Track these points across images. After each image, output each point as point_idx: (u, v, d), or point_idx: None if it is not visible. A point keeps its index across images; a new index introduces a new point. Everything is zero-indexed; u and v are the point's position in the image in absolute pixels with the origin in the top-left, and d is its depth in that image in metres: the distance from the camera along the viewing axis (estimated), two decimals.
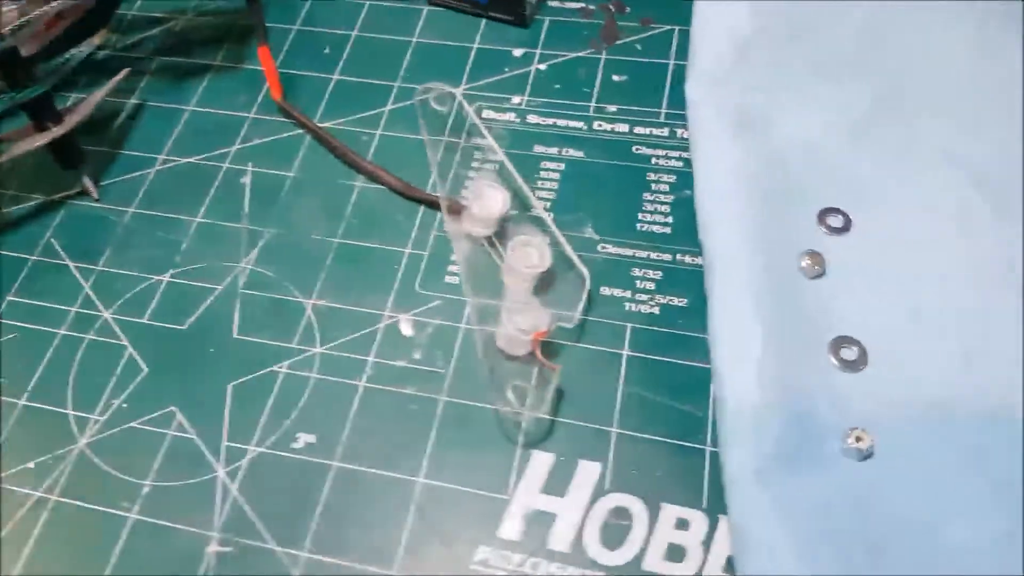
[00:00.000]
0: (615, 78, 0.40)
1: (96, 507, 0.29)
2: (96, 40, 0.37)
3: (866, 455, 0.27)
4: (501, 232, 0.34)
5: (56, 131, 0.34)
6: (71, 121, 0.35)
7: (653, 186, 0.36)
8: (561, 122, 0.39)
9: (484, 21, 0.43)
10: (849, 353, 0.30)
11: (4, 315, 0.34)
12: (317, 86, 0.41)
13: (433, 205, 0.36)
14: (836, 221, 0.33)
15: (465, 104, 0.37)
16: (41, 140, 0.34)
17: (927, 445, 0.28)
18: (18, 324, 0.33)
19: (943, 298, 0.31)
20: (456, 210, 0.35)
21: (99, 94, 0.37)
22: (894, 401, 0.29)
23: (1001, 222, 0.32)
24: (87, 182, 0.37)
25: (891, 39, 0.37)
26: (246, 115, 0.40)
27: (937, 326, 0.30)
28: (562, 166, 0.37)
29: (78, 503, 0.29)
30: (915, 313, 0.30)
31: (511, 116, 0.39)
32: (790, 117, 0.36)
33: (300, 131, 0.39)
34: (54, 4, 0.33)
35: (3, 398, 0.31)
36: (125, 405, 0.31)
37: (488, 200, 0.34)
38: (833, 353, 0.30)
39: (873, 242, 0.32)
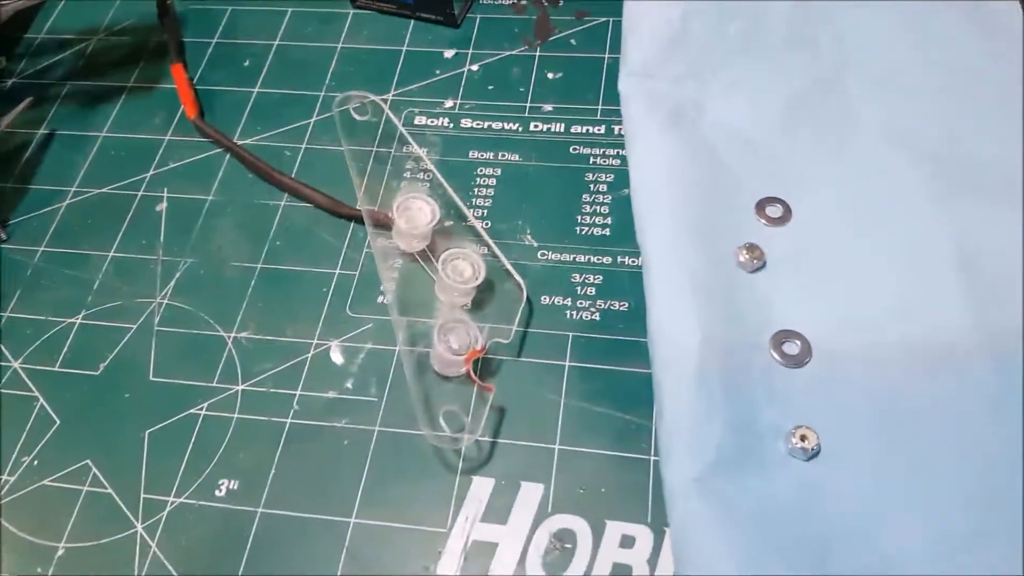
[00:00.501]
0: (550, 75, 0.38)
1: (8, 575, 0.27)
2: None
3: (812, 454, 0.26)
4: (434, 246, 0.32)
5: None
6: None
7: (592, 187, 0.34)
8: (496, 125, 0.37)
9: (412, 22, 0.41)
10: (792, 348, 0.28)
11: None
12: (237, 101, 0.38)
13: (361, 221, 0.34)
14: (775, 211, 0.31)
15: (388, 111, 0.36)
16: None
17: (874, 442, 0.26)
18: None
19: (884, 285, 0.29)
20: (384, 224, 0.33)
21: None
22: (839, 397, 0.27)
23: (945, 202, 0.30)
24: None
25: (825, 11, 0.36)
26: (161, 137, 0.38)
27: (880, 315, 0.28)
28: (498, 171, 0.35)
29: None
30: (857, 302, 0.29)
31: (444, 121, 0.37)
32: (721, 104, 0.34)
33: (219, 151, 0.37)
34: None
35: None
36: (36, 462, 0.29)
37: (415, 213, 0.32)
38: (775, 348, 0.28)
39: (813, 231, 0.31)
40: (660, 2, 0.36)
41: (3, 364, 0.31)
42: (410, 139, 0.35)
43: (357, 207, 0.34)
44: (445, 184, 0.33)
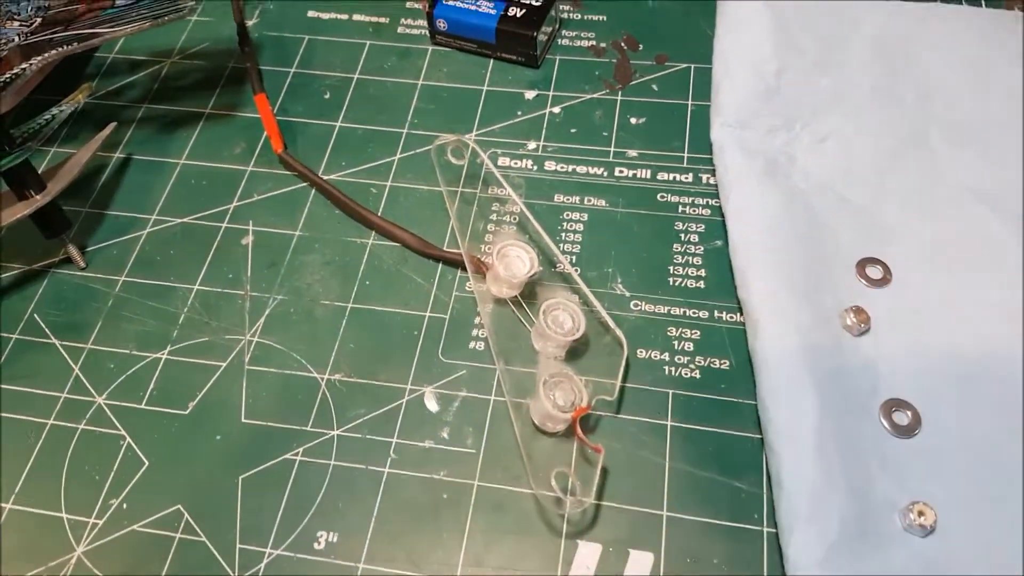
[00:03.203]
0: (633, 120, 0.38)
1: None
2: (80, 97, 0.34)
3: (930, 531, 0.25)
4: (524, 292, 0.32)
5: (39, 201, 0.31)
6: (55, 189, 0.32)
7: (682, 236, 0.34)
8: (580, 169, 0.36)
9: (492, 62, 0.40)
10: (902, 417, 0.28)
11: None
12: (318, 134, 0.38)
13: (452, 263, 0.33)
14: (875, 272, 0.31)
15: (481, 153, 0.35)
16: (22, 212, 0.31)
17: (992, 514, 0.26)
18: (1, 415, 0.30)
19: (988, 347, 0.29)
20: (479, 269, 0.32)
21: (84, 154, 0.34)
22: (952, 467, 0.27)
23: None
24: (72, 250, 0.34)
25: (910, 70, 0.36)
26: (244, 168, 0.37)
27: (986, 379, 0.28)
28: (585, 216, 0.35)
29: None
30: (961, 364, 0.29)
31: (527, 163, 0.37)
32: (813, 158, 0.34)
33: (304, 184, 0.36)
34: (44, 56, 0.30)
35: None
36: (125, 505, 0.28)
37: (514, 260, 0.31)
38: (885, 418, 0.28)
39: (914, 293, 0.30)
40: (753, 54, 0.36)
41: (86, 399, 0.31)
42: (504, 182, 0.34)
43: (454, 250, 0.33)
44: (538, 227, 0.33)
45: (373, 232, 0.35)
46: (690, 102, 0.38)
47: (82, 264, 0.34)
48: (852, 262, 0.32)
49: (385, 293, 0.33)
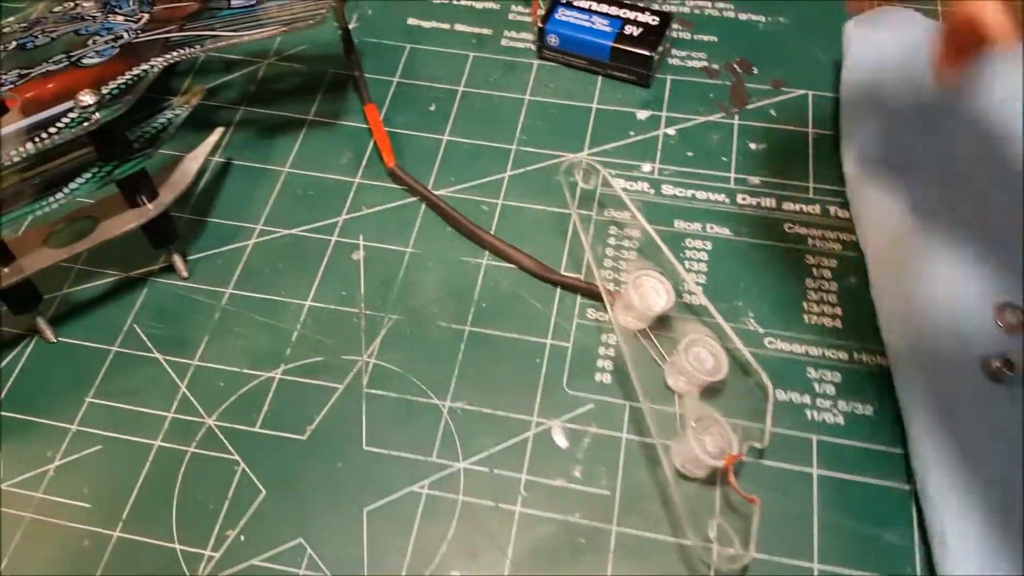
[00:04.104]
0: (752, 146, 0.36)
1: None
2: (194, 100, 0.33)
3: None
4: (653, 324, 0.30)
5: (152, 211, 0.30)
6: (167, 198, 0.30)
7: (814, 271, 0.32)
8: (700, 194, 0.35)
9: (600, 79, 0.39)
10: None
11: (83, 421, 0.29)
12: (426, 148, 0.37)
13: (572, 289, 0.32)
14: (1014, 317, 0.30)
15: (605, 173, 0.34)
16: (135, 222, 0.30)
17: None
18: (101, 433, 0.29)
19: None
20: (597, 297, 0.31)
21: (194, 161, 0.32)
22: None
23: None
24: (176, 259, 0.32)
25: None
26: (351, 179, 0.36)
27: None
28: (709, 245, 0.33)
29: None
30: None
31: (644, 186, 0.35)
32: (943, 200, 0.32)
33: (414, 199, 0.35)
34: (167, 57, 0.28)
35: (93, 528, 0.27)
36: (243, 537, 0.26)
37: (648, 291, 0.30)
38: None
39: None
40: (882, 91, 0.35)
41: (196, 420, 0.29)
42: (631, 207, 0.33)
43: (574, 275, 0.32)
44: (672, 258, 0.31)
45: (487, 252, 0.33)
46: (811, 130, 0.37)
47: (185, 274, 0.33)
48: (991, 305, 0.30)
49: (503, 317, 0.31)
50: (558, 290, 0.32)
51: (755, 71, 0.39)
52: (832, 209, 0.34)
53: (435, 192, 0.35)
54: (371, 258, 0.33)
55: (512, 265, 0.33)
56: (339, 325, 0.31)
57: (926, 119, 0.34)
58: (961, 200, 0.33)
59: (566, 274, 0.32)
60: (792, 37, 0.40)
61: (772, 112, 0.38)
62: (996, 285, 0.31)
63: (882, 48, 0.35)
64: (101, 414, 0.29)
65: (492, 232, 0.34)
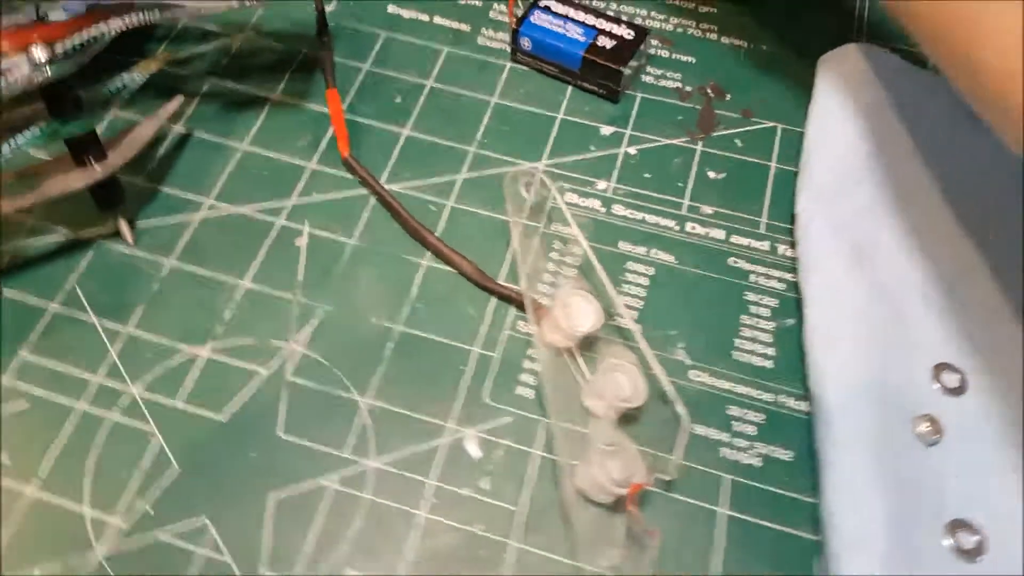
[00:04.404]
0: (711, 174, 0.37)
1: None
2: (155, 66, 0.33)
3: None
4: (581, 344, 0.31)
5: (98, 173, 0.30)
6: (115, 162, 0.31)
7: (751, 308, 0.33)
8: (651, 218, 0.35)
9: (570, 89, 0.39)
10: (967, 541, 0.27)
11: (19, 377, 0.29)
12: (385, 140, 0.37)
13: (508, 300, 0.32)
14: (951, 380, 0.30)
15: (553, 190, 0.34)
16: (81, 182, 0.30)
17: None
18: (31, 390, 0.29)
19: None
20: (537, 312, 0.31)
21: (148, 128, 0.32)
22: None
23: None
24: (123, 225, 0.32)
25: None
26: (305, 164, 0.36)
27: None
28: (651, 270, 0.34)
29: None
30: None
31: (596, 204, 0.36)
32: (898, 249, 0.32)
33: (365, 191, 0.35)
34: (125, 20, 0.28)
35: (6, 482, 0.27)
36: (151, 510, 0.27)
37: (577, 311, 0.30)
38: (951, 537, 0.27)
39: (989, 407, 0.29)
40: (849, 128, 0.35)
41: (121, 388, 0.29)
42: (573, 225, 0.33)
43: (513, 285, 0.32)
44: (606, 281, 0.32)
45: (429, 253, 0.33)
46: (773, 164, 0.37)
47: (131, 241, 0.33)
48: (930, 365, 0.31)
49: (436, 320, 0.32)
50: (494, 300, 0.33)
51: (727, 97, 0.39)
52: (781, 248, 0.34)
53: (387, 187, 0.35)
54: (314, 246, 0.33)
55: (452, 269, 0.33)
56: (272, 309, 0.31)
57: (885, 167, 0.35)
58: (913, 252, 0.33)
59: (503, 284, 0.33)
60: (771, 66, 0.40)
61: (738, 142, 0.38)
62: (937, 346, 0.31)
63: (849, 87, 0.36)
64: (34, 371, 0.30)
65: (437, 234, 0.34)
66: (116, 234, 0.33)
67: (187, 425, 0.29)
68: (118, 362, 0.30)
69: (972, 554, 0.27)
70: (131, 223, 0.33)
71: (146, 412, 0.29)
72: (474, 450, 0.29)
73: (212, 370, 0.30)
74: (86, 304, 0.31)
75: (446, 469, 0.28)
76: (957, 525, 0.27)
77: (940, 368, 0.30)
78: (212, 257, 0.33)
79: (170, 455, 0.28)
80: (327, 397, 0.30)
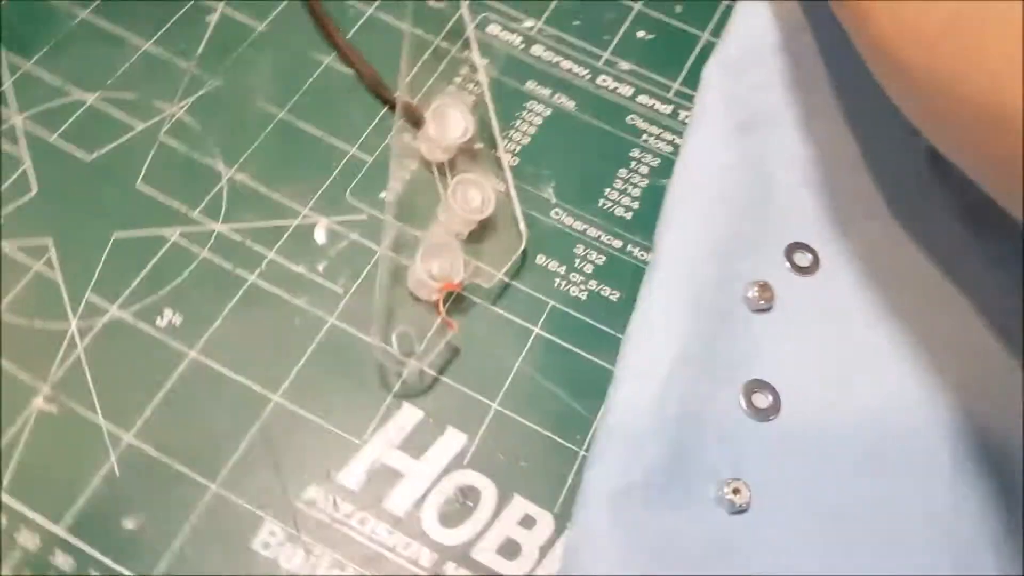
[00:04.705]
0: (640, 34, 0.36)
1: None
2: None
3: (738, 509, 0.25)
4: (454, 163, 0.31)
5: None
6: None
7: (632, 164, 0.33)
8: (565, 63, 0.35)
9: None
10: (762, 400, 0.27)
11: None
12: None
13: (395, 109, 0.32)
14: (803, 259, 0.30)
15: (465, 10, 0.34)
16: None
17: (805, 521, 0.26)
18: None
19: (882, 374, 0.28)
20: (414, 121, 0.31)
21: None
22: (789, 465, 0.27)
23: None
24: None
25: None
26: None
27: (861, 405, 0.28)
28: (548, 112, 0.34)
29: None
30: (846, 380, 0.28)
31: (516, 40, 0.35)
32: (796, 129, 0.32)
33: None
34: None
35: None
36: (2, 221, 0.29)
37: (449, 122, 0.30)
38: (745, 395, 0.27)
39: (831, 294, 0.29)
40: (780, 6, 0.34)
41: (5, 116, 0.31)
42: (475, 51, 0.33)
43: (403, 96, 0.32)
44: (490, 105, 0.32)
45: (334, 54, 0.34)
46: (706, 36, 0.36)
47: None
48: (785, 243, 0.31)
49: (319, 115, 0.32)
50: (384, 109, 0.33)
51: None
52: (683, 115, 0.34)
53: None
54: (222, 23, 0.34)
55: (352, 72, 0.33)
56: (165, 73, 0.32)
57: (795, 49, 0.34)
58: (807, 133, 0.32)
59: (398, 94, 0.33)
60: None
61: (677, 8, 0.37)
62: (797, 225, 0.31)
63: None
64: None
65: (347, 37, 0.34)
66: None
67: (56, 158, 0.30)
68: (10, 92, 0.31)
69: (762, 414, 0.27)
70: None
71: (22, 140, 0.30)
72: (320, 237, 0.30)
73: (92, 116, 0.31)
74: None
75: (287, 247, 0.29)
76: (755, 386, 0.28)
77: (795, 247, 0.30)
78: (123, 14, 0.33)
79: (32, 179, 0.29)
80: (192, 162, 0.31)
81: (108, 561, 0.24)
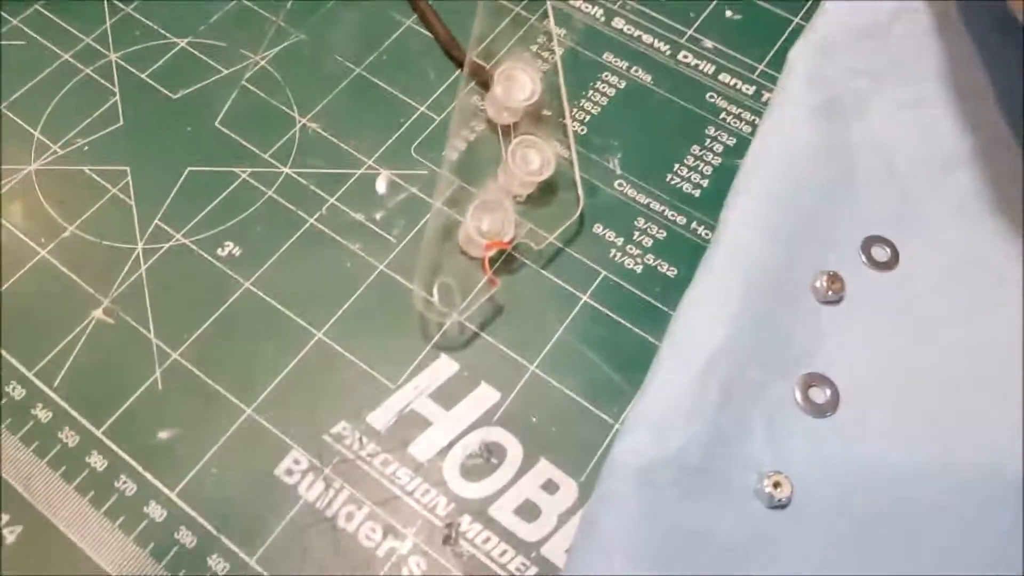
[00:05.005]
0: (728, 13, 0.35)
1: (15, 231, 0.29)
2: None
3: (777, 504, 0.24)
4: (519, 126, 0.31)
5: None
6: None
7: (707, 142, 0.31)
8: (647, 37, 0.34)
9: None
10: (819, 395, 0.26)
11: (25, 22, 0.33)
12: None
13: (471, 73, 0.33)
14: (881, 254, 0.28)
15: None
16: None
17: (848, 529, 0.24)
18: (31, 33, 0.33)
19: (952, 385, 0.26)
20: (483, 83, 0.31)
21: None
22: (840, 466, 0.25)
23: None
24: None
25: None
26: None
27: (928, 409, 0.26)
28: (622, 84, 0.33)
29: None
30: (913, 386, 0.26)
31: (598, 12, 0.35)
32: (887, 118, 0.30)
33: None
34: None
35: None
36: (87, 148, 0.30)
37: (516, 85, 0.30)
38: (801, 389, 0.26)
39: (907, 294, 0.27)
40: None
41: (103, 52, 0.33)
42: (551, 18, 0.32)
43: (478, 60, 0.33)
44: (560, 73, 0.31)
45: (414, 16, 0.34)
46: (797, 19, 0.34)
47: None
48: (863, 235, 0.29)
49: (395, 74, 0.33)
50: (458, 71, 0.33)
51: None
52: (766, 95, 0.33)
53: None
54: None
55: (430, 35, 0.34)
56: (253, 24, 0.33)
57: (910, 31, 0.32)
58: (901, 126, 0.31)
59: (471, 57, 0.33)
60: None
61: None
62: (880, 219, 0.29)
63: None
64: (38, 20, 0.33)
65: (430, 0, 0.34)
66: None
67: (143, 93, 0.32)
68: (110, 31, 0.33)
69: (818, 409, 0.26)
70: None
71: (115, 75, 0.32)
72: (381, 187, 0.30)
73: (181, 59, 0.33)
74: None
75: (348, 194, 0.30)
76: (814, 379, 0.26)
77: (873, 240, 0.28)
78: None
79: (120, 111, 0.31)
80: (269, 108, 0.32)
81: (138, 467, 0.24)
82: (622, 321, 0.28)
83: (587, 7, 0.35)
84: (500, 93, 0.30)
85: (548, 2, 0.33)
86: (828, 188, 0.29)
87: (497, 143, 0.31)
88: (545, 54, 0.33)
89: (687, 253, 0.29)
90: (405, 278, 0.28)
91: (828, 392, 0.26)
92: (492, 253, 0.27)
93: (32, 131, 0.31)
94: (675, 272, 0.29)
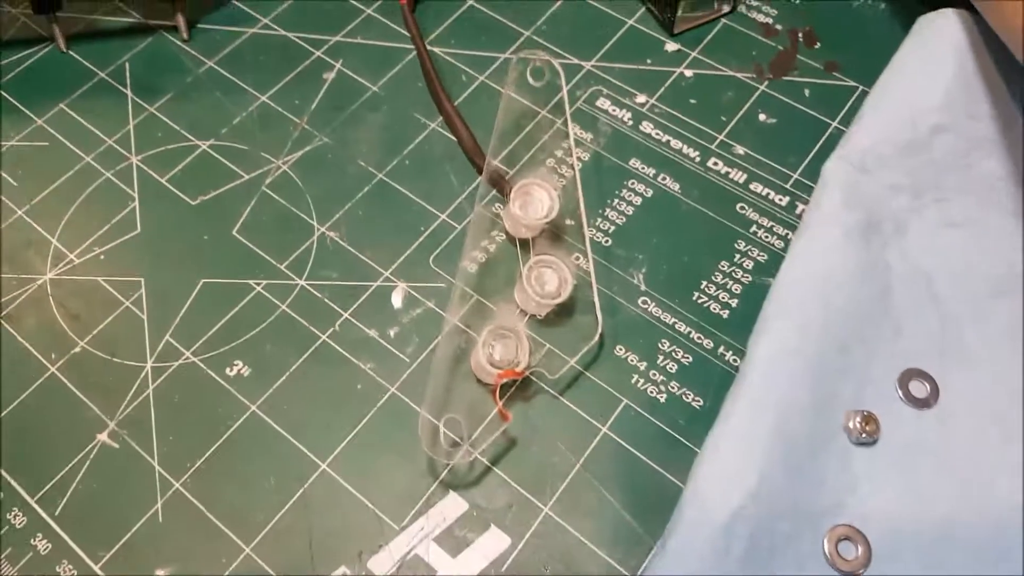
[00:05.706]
0: (761, 116, 0.33)
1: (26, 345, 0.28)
2: None
3: None
4: (538, 240, 0.30)
5: None
6: None
7: (736, 258, 0.30)
8: (676, 143, 0.33)
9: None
10: (850, 551, 0.24)
11: (49, 122, 0.33)
12: (449, 4, 0.37)
13: (492, 181, 0.32)
14: (919, 390, 0.26)
15: (563, 87, 0.32)
16: None
17: None
18: (54, 133, 0.33)
19: (1000, 541, 0.24)
20: (502, 190, 0.31)
21: None
22: None
23: None
24: (180, 19, 0.35)
25: None
26: (364, 8, 0.37)
27: (966, 568, 0.24)
28: (649, 192, 0.32)
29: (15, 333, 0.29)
30: (953, 540, 0.24)
31: (625, 115, 0.34)
32: (927, 238, 0.28)
33: (406, 46, 0.36)
34: None
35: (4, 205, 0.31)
36: (103, 257, 0.30)
37: (533, 201, 0.29)
38: (831, 543, 0.24)
39: (949, 435, 0.25)
40: (918, 97, 0.31)
41: (124, 154, 0.33)
42: (569, 127, 0.32)
43: (500, 166, 0.32)
44: (579, 190, 0.30)
45: (440, 119, 0.34)
46: (834, 124, 0.33)
47: (185, 36, 0.36)
48: (900, 367, 0.27)
49: (416, 179, 0.32)
50: (480, 178, 0.32)
51: (817, 46, 0.35)
52: (800, 207, 0.31)
53: (430, 47, 0.35)
54: (337, 82, 0.34)
55: (454, 138, 0.33)
56: (276, 127, 0.33)
57: (951, 146, 0.30)
58: (942, 247, 0.29)
59: (493, 161, 0.32)
60: (882, 24, 0.36)
61: (806, 92, 0.34)
62: (918, 352, 0.27)
63: (932, 54, 0.31)
64: (64, 120, 0.34)
65: (456, 103, 0.34)
66: (176, 28, 0.36)
67: (162, 199, 0.31)
68: (132, 132, 0.33)
69: (849, 566, 0.24)
70: (190, 23, 0.36)
71: (135, 179, 0.32)
72: (397, 301, 0.29)
73: (203, 162, 0.32)
74: (128, 78, 0.35)
75: (363, 308, 0.29)
76: (846, 532, 0.24)
77: (911, 374, 0.27)
78: (246, 69, 0.35)
79: (138, 218, 0.31)
80: (289, 215, 0.31)
81: None
82: (643, 458, 0.26)
83: (615, 110, 0.34)
84: (517, 210, 0.29)
85: (567, 114, 0.32)
86: (863, 317, 0.27)
87: (515, 256, 0.30)
88: (569, 159, 0.33)
89: (714, 381, 0.28)
90: (416, 401, 0.27)
91: (859, 549, 0.24)
92: (504, 381, 0.26)
93: (50, 238, 0.31)
94: (701, 403, 0.27)
